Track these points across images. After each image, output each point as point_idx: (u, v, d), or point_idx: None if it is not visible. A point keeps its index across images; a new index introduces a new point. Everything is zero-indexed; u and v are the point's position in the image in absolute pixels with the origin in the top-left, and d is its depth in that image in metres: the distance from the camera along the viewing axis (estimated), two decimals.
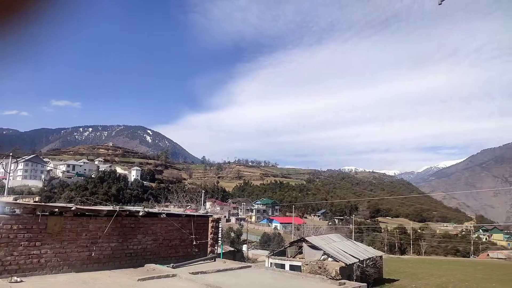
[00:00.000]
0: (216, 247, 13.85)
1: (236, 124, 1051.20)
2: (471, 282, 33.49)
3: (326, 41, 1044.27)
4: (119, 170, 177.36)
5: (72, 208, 9.67)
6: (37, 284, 7.94)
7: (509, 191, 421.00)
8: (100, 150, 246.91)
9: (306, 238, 31.41)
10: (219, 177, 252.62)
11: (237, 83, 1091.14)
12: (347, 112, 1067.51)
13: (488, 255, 78.27)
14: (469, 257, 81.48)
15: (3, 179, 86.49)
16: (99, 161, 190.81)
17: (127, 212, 10.86)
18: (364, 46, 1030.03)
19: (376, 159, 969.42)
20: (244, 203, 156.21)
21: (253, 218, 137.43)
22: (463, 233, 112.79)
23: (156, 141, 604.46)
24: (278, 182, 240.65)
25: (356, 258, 28.96)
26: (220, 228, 14.63)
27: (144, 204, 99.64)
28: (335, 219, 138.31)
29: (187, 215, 13.38)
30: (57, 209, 9.43)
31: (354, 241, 41.45)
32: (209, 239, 13.28)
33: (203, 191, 53.20)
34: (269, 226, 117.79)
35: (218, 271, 10.56)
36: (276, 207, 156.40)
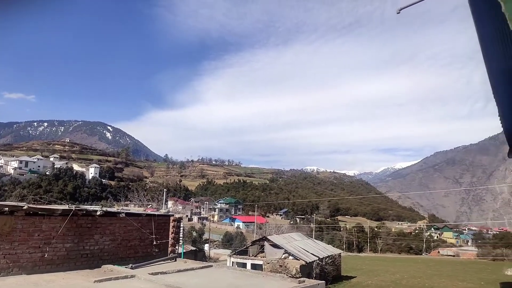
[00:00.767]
0: (177, 247, 13.69)
1: (201, 122, 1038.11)
2: (422, 278, 35.26)
3: (291, 42, 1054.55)
4: (76, 167, 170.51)
5: (24, 207, 9.19)
6: None
7: (459, 192, 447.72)
8: (56, 146, 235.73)
9: (268, 237, 31.71)
10: (182, 176, 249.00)
11: (203, 81, 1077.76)
12: (310, 113, 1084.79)
13: (438, 252, 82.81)
14: (421, 254, 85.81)
15: None
16: (55, 157, 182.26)
17: (84, 212, 10.49)
18: (328, 48, 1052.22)
19: (337, 159, 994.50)
20: (207, 202, 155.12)
21: (216, 217, 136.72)
22: (417, 231, 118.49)
23: (117, 138, 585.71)
24: (242, 181, 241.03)
25: (316, 256, 29.62)
26: (181, 228, 14.48)
27: (103, 203, 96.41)
28: (297, 218, 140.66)
29: (147, 215, 13.13)
30: (7, 208, 8.93)
31: (315, 240, 42.39)
32: (170, 239, 13.10)
33: (165, 189, 52.24)
34: (232, 225, 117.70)
35: (179, 271, 10.44)
36: (239, 206, 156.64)
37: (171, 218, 13.49)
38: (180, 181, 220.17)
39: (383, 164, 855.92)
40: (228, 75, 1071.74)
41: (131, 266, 10.45)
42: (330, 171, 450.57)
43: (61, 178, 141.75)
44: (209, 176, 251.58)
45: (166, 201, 55.51)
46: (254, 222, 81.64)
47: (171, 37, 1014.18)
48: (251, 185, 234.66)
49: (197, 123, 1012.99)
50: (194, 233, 62.79)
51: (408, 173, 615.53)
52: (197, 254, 42.19)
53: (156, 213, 14.39)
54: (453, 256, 75.42)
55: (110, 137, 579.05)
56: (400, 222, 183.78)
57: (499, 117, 7.23)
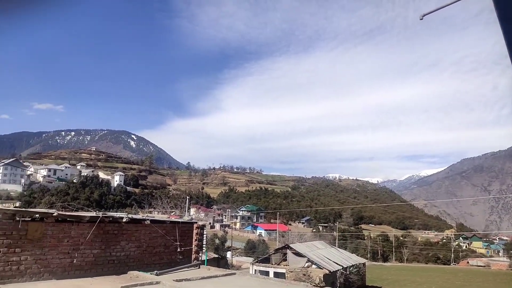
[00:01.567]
0: (200, 254, 13.76)
1: (222, 130, 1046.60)
2: None
3: (312, 50, 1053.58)
4: (102, 175, 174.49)
5: (53, 214, 9.47)
6: None
7: (488, 200, 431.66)
8: (83, 154, 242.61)
9: (291, 245, 31.46)
10: (204, 183, 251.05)
11: (223, 90, 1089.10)
12: (332, 120, 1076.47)
13: (468, 262, 79.84)
14: (449, 264, 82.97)
15: None
16: (82, 165, 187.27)
17: (111, 218, 10.71)
18: (349, 55, 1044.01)
19: (360, 167, 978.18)
20: (229, 210, 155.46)
21: (238, 225, 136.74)
22: (444, 240, 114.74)
23: (140, 146, 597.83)
24: (263, 188, 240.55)
25: (339, 265, 29.14)
26: (204, 235, 14.56)
27: (127, 210, 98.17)
28: (319, 226, 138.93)
29: (171, 222, 13.27)
30: (38, 215, 9.23)
31: (338, 248, 41.74)
32: (193, 246, 13.19)
33: (187, 197, 52.78)
34: (254, 233, 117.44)
35: (203, 278, 10.48)
36: (261, 214, 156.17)
37: (195, 225, 13.59)
38: (202, 188, 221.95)
39: (408, 172, 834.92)
40: (248, 84, 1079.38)
41: (156, 272, 10.57)
42: (353, 179, 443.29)
43: (87, 186, 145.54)
44: (231, 184, 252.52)
45: (189, 208, 55.98)
46: (276, 229, 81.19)
47: (192, 47, 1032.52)
48: (273, 193, 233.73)
49: (218, 131, 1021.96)
50: (217, 241, 63.01)
51: (434, 181, 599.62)
52: (220, 262, 42.21)
53: (180, 220, 14.53)
54: (484, 266, 72.55)
55: (134, 146, 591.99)
56: (426, 231, 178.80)
57: None
